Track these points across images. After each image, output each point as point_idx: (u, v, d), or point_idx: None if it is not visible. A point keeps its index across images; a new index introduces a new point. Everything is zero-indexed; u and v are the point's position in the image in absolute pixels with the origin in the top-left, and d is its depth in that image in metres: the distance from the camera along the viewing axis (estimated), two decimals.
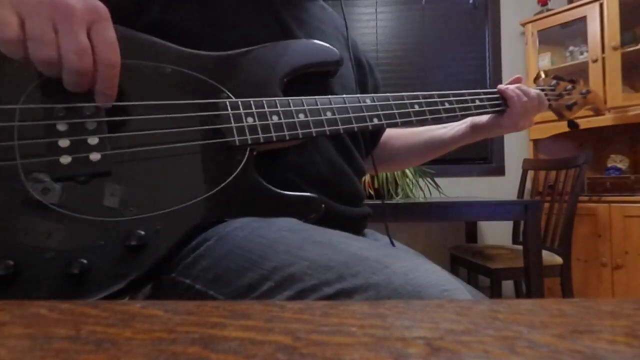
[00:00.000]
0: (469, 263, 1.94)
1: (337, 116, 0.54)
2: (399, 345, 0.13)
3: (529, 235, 1.47)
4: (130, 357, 0.12)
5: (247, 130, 0.48)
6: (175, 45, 0.49)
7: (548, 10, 2.38)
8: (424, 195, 2.00)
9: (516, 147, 2.50)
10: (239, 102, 0.49)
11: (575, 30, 2.31)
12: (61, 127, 0.41)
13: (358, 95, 0.58)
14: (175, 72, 0.48)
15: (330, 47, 0.58)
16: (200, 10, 0.54)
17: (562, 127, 2.20)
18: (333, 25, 0.68)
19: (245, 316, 0.16)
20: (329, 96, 0.55)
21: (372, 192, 1.79)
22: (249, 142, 0.48)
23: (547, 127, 2.25)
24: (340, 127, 0.53)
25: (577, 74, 2.27)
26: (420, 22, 2.60)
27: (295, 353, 0.13)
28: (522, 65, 2.52)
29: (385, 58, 2.58)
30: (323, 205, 0.50)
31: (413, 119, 0.60)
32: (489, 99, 0.70)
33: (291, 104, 0.51)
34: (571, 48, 2.37)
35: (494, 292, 1.70)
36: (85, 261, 0.38)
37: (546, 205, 1.85)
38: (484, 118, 0.74)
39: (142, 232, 0.40)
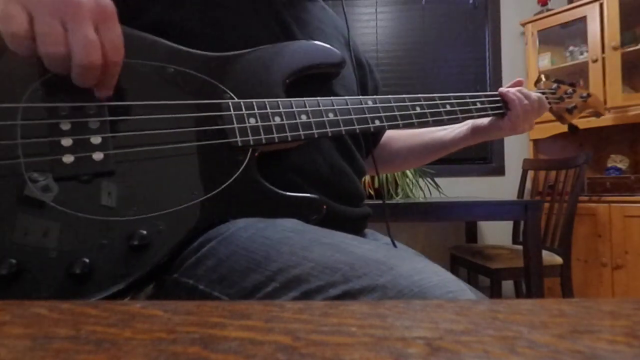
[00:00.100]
0: (469, 263, 1.94)
1: (339, 117, 0.54)
2: (399, 345, 0.13)
3: (529, 235, 1.47)
4: (130, 357, 0.12)
5: (249, 131, 0.48)
6: (177, 45, 0.49)
7: (548, 10, 2.39)
8: (424, 195, 2.00)
9: (516, 147, 2.50)
10: (242, 103, 0.49)
11: (575, 30, 2.31)
12: (64, 126, 0.41)
13: (360, 96, 0.58)
14: (178, 72, 0.48)
15: (333, 48, 0.58)
16: (200, 11, 0.54)
17: (562, 127, 2.19)
18: (333, 26, 0.68)
19: (245, 316, 0.16)
20: (331, 97, 0.55)
21: (372, 192, 1.79)
22: (251, 143, 0.48)
23: (547, 127, 2.25)
24: (343, 128, 0.54)
25: (577, 74, 2.28)
26: (420, 22, 2.60)
27: (295, 353, 0.13)
28: (522, 65, 2.52)
29: (385, 58, 2.58)
30: (325, 207, 0.50)
31: (414, 120, 0.60)
32: (490, 102, 0.70)
33: (293, 105, 0.51)
34: (571, 48, 2.37)
35: (494, 292, 1.70)
36: (87, 261, 0.38)
37: (546, 205, 1.85)
38: (485, 121, 0.74)
39: (145, 232, 0.40)
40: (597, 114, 0.90)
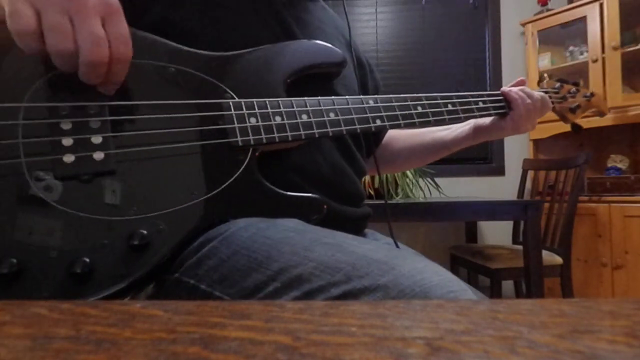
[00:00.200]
0: (469, 263, 1.94)
1: (340, 117, 0.54)
2: (399, 345, 0.13)
3: (529, 235, 1.47)
4: (130, 357, 0.12)
5: (249, 131, 0.48)
6: (178, 45, 0.49)
7: (548, 10, 2.38)
8: (424, 195, 2.00)
9: (516, 147, 2.50)
10: (242, 103, 0.49)
11: (575, 30, 2.31)
12: (65, 125, 0.41)
13: (361, 96, 0.58)
14: (179, 71, 0.48)
15: (334, 48, 0.58)
16: (200, 11, 0.54)
17: (562, 127, 2.20)
18: (334, 26, 0.68)
19: (245, 316, 0.16)
20: (332, 97, 0.55)
21: (372, 192, 1.79)
22: (252, 142, 0.48)
23: (547, 127, 2.25)
24: (343, 128, 0.53)
25: (577, 74, 2.27)
26: (420, 22, 2.60)
27: (295, 353, 0.13)
28: (522, 65, 2.52)
29: (385, 58, 2.58)
30: (325, 206, 0.50)
31: (416, 120, 0.60)
32: (492, 101, 0.70)
33: (294, 105, 0.51)
34: (571, 48, 2.37)
35: (494, 292, 1.70)
36: (88, 260, 0.38)
37: (546, 205, 1.85)
38: (487, 120, 0.74)
39: (145, 232, 0.40)
40: (601, 113, 0.89)
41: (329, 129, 0.52)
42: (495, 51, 2.56)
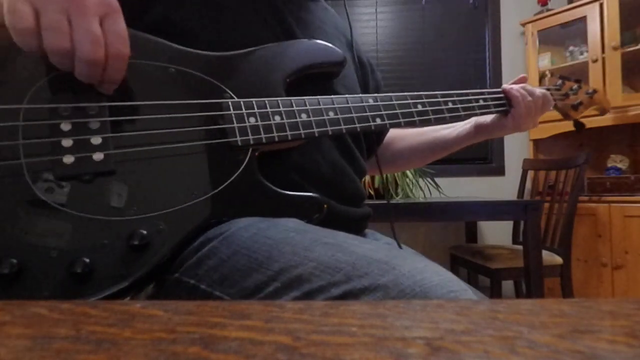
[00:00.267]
0: (469, 263, 1.94)
1: (339, 116, 0.53)
2: (399, 345, 0.13)
3: (529, 235, 1.47)
4: (130, 357, 0.12)
5: (249, 131, 0.48)
6: (178, 45, 0.49)
7: (548, 10, 2.38)
8: (424, 195, 2.00)
9: (516, 147, 2.50)
10: (241, 102, 0.49)
11: (575, 30, 2.31)
12: (65, 126, 0.41)
13: (361, 95, 0.57)
14: (179, 72, 0.48)
15: (334, 47, 0.58)
16: (201, 11, 0.54)
17: (562, 127, 2.21)
18: (335, 26, 0.68)
19: (245, 316, 0.16)
20: (332, 96, 0.54)
21: (372, 192, 1.79)
22: (251, 142, 0.48)
23: (547, 127, 2.25)
24: (343, 127, 0.53)
25: (577, 74, 2.27)
26: (420, 22, 2.60)
27: (295, 353, 0.13)
28: (522, 65, 2.52)
29: (385, 58, 2.58)
30: (326, 206, 0.50)
31: (416, 119, 0.60)
32: (493, 99, 0.69)
33: (293, 104, 0.51)
34: (571, 48, 2.37)
35: (494, 292, 1.70)
36: (88, 260, 0.38)
37: (546, 205, 1.85)
38: (488, 118, 0.73)
39: (145, 232, 0.40)
40: (603, 111, 0.88)
41: (329, 128, 0.52)
42: (495, 51, 2.56)
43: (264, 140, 0.48)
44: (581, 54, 2.30)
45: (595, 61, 2.15)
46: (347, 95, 0.56)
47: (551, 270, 1.72)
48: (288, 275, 0.36)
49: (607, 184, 2.10)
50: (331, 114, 0.53)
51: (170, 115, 0.45)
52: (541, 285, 1.48)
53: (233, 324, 0.15)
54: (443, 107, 0.63)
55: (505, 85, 0.72)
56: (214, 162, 0.46)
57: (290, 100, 0.51)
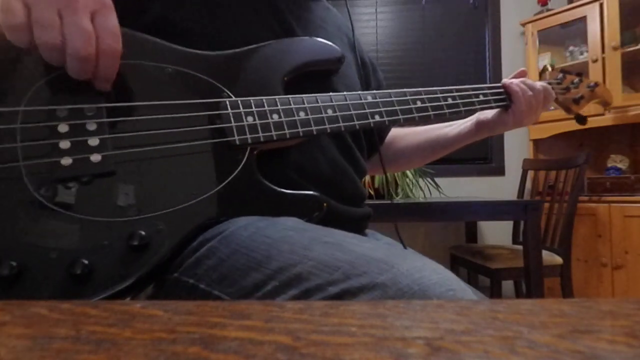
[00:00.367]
0: (469, 263, 1.94)
1: (338, 113, 0.53)
2: (399, 345, 0.13)
3: (529, 235, 1.47)
4: (130, 357, 0.12)
5: (247, 130, 0.48)
6: (175, 45, 0.49)
7: (548, 10, 2.38)
8: (424, 195, 2.00)
9: (516, 147, 2.50)
10: (239, 102, 0.49)
11: (575, 30, 2.31)
12: (62, 128, 0.41)
13: (359, 92, 0.57)
14: (176, 72, 0.48)
15: (331, 44, 0.58)
16: (201, 10, 0.54)
17: (562, 127, 2.21)
18: (336, 26, 0.67)
19: (245, 316, 0.16)
20: (330, 94, 0.54)
21: (372, 192, 1.79)
22: (249, 141, 0.48)
23: (547, 127, 2.25)
24: (342, 124, 0.53)
25: None
26: (420, 22, 2.60)
27: (295, 353, 0.13)
28: (522, 65, 2.52)
29: (385, 58, 2.58)
30: (325, 204, 0.50)
31: (415, 115, 0.59)
32: (493, 94, 0.68)
33: (291, 102, 0.51)
34: (571, 48, 2.37)
35: (494, 292, 1.70)
36: (88, 261, 0.38)
37: (546, 205, 1.85)
38: (489, 115, 0.72)
39: (144, 232, 0.40)
40: (605, 104, 0.87)
41: (327, 126, 0.52)
42: (495, 51, 2.56)
43: (262, 139, 0.48)
44: (581, 54, 2.30)
45: (595, 61, 2.15)
46: (345, 93, 0.55)
47: (551, 270, 1.72)
48: (287, 274, 0.36)
49: (607, 184, 2.10)
50: (329, 112, 0.53)
51: (168, 116, 0.45)
52: (541, 285, 1.48)
53: (233, 324, 0.15)
54: (442, 102, 0.62)
55: (505, 80, 0.71)
56: (212, 162, 0.46)
57: (288, 98, 0.51)
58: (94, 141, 0.41)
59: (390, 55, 2.59)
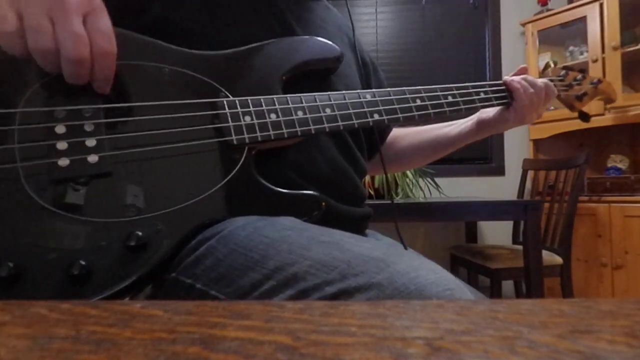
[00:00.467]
0: (469, 263, 1.94)
1: (336, 112, 0.53)
2: (399, 345, 0.13)
3: (529, 235, 1.47)
4: (130, 357, 0.12)
5: (244, 129, 0.48)
6: (173, 45, 0.49)
7: (548, 10, 2.38)
8: (424, 195, 2.00)
9: (516, 147, 2.50)
10: (236, 101, 0.49)
11: (575, 30, 2.31)
12: (59, 129, 0.41)
13: (358, 91, 0.56)
14: (173, 72, 0.48)
15: (330, 43, 0.57)
16: (201, 10, 0.54)
17: (562, 127, 2.21)
18: (337, 26, 0.67)
19: (245, 316, 0.16)
20: (329, 92, 0.54)
21: (371, 192, 1.79)
22: (247, 141, 0.47)
23: (547, 127, 2.25)
24: (340, 123, 0.53)
25: None
26: (420, 22, 2.60)
27: (295, 353, 0.13)
28: (522, 65, 2.52)
29: (385, 58, 2.58)
30: (324, 203, 0.50)
31: (415, 113, 0.59)
32: (494, 92, 0.67)
33: (289, 102, 0.51)
34: (571, 48, 2.37)
35: (494, 292, 1.70)
36: (86, 262, 0.38)
37: (546, 205, 1.85)
38: (490, 113, 0.72)
39: (143, 233, 0.40)
40: (609, 100, 0.86)
41: (325, 125, 0.52)
42: (495, 51, 2.56)
43: (259, 139, 0.48)
44: (581, 54, 2.30)
45: (595, 61, 2.15)
46: (344, 92, 0.55)
47: (551, 270, 1.72)
48: (284, 274, 0.36)
49: (607, 184, 2.10)
50: (328, 111, 0.52)
51: (166, 116, 0.45)
52: (541, 285, 1.48)
53: (233, 324, 0.15)
54: (442, 101, 0.61)
55: (506, 77, 0.71)
56: (210, 162, 0.46)
57: (286, 97, 0.51)
58: (91, 142, 0.41)
59: (390, 55, 2.59)
